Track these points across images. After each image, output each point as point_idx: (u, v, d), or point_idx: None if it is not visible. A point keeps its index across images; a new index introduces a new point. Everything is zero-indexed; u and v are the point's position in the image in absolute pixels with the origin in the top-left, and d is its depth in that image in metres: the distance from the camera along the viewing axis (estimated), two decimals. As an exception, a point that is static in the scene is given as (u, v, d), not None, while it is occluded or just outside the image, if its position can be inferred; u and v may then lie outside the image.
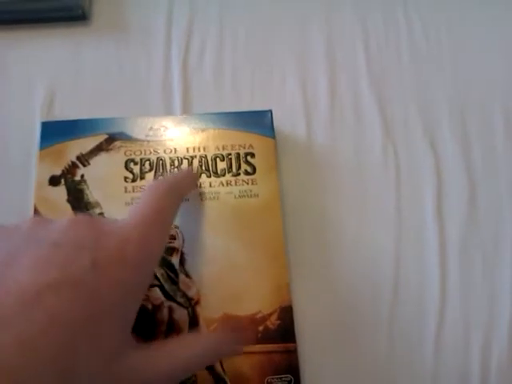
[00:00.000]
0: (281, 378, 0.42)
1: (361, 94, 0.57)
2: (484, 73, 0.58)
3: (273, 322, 0.43)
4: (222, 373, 0.42)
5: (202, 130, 0.51)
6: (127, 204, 0.48)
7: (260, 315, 0.44)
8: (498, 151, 0.54)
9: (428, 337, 0.46)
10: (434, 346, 0.46)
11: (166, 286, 0.44)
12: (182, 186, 0.44)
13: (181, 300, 0.44)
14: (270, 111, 0.52)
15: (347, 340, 0.46)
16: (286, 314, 0.44)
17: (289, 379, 0.42)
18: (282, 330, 0.43)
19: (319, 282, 0.48)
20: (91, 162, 0.49)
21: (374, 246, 0.49)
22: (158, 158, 0.50)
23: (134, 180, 0.49)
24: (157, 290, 0.44)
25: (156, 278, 0.45)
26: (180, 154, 0.50)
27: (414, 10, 0.61)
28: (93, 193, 0.48)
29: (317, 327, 0.46)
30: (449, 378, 0.45)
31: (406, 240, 0.50)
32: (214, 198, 0.48)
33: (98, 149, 0.50)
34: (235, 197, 0.48)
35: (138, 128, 0.51)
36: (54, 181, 0.48)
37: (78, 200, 0.48)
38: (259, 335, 0.43)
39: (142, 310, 0.43)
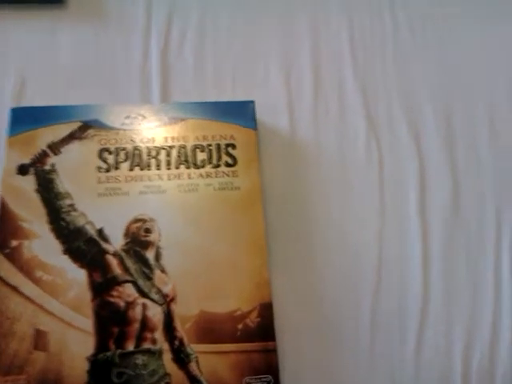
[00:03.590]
0: (260, 378, 0.40)
1: (345, 87, 0.55)
2: (469, 68, 0.57)
3: (252, 320, 0.41)
4: (199, 374, 0.40)
5: (182, 120, 0.49)
6: (100, 195, 0.45)
7: (239, 313, 0.42)
8: (481, 148, 0.53)
9: (410, 335, 0.45)
10: (416, 344, 0.45)
11: (140, 282, 0.42)
12: None
13: (155, 297, 0.42)
14: (253, 102, 0.50)
15: (328, 338, 0.45)
16: (266, 311, 0.42)
17: (268, 380, 0.40)
18: (261, 328, 0.41)
19: (300, 277, 0.46)
20: (63, 150, 0.47)
21: (356, 241, 0.48)
22: (134, 148, 0.48)
23: (107, 170, 0.46)
24: (130, 286, 0.42)
25: (129, 273, 0.42)
26: (158, 144, 0.48)
27: (399, 3, 0.60)
28: (64, 183, 0.45)
29: (297, 325, 0.44)
30: (430, 377, 0.44)
31: (389, 236, 0.49)
32: (192, 189, 0.46)
33: (71, 137, 0.47)
34: (215, 189, 0.46)
35: (114, 116, 0.49)
36: (22, 169, 0.46)
37: (47, 190, 0.45)
38: (238, 334, 0.41)
39: (114, 308, 0.41)
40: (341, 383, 0.43)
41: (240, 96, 0.53)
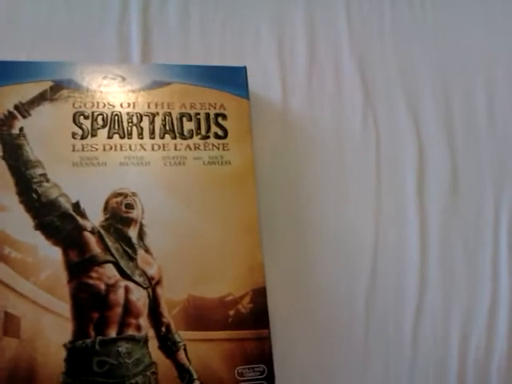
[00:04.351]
0: (253, 368, 0.38)
1: (341, 60, 0.52)
2: (468, 45, 0.55)
3: (245, 306, 0.39)
4: (187, 363, 0.37)
5: (166, 84, 0.45)
6: (75, 165, 0.41)
7: (230, 298, 0.39)
8: (480, 126, 0.52)
9: (406, 323, 0.44)
10: (412, 334, 0.44)
11: (122, 263, 0.39)
12: None
13: (139, 279, 0.39)
14: (245, 68, 0.46)
15: (322, 325, 0.43)
16: (260, 296, 0.40)
17: (261, 369, 0.38)
18: (254, 315, 0.39)
19: (294, 261, 0.44)
20: (32, 112, 0.42)
21: (352, 222, 0.46)
22: (112, 113, 0.43)
23: (83, 137, 0.42)
24: (111, 266, 0.39)
25: (110, 253, 0.39)
26: (139, 110, 0.43)
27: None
28: (34, 149, 0.40)
29: (291, 311, 0.43)
30: (426, 366, 0.43)
31: (385, 219, 0.47)
32: (179, 163, 0.42)
33: (42, 98, 0.42)
34: (204, 163, 0.42)
35: (90, 76, 0.44)
36: (-15, 133, 0.40)
37: (15, 157, 0.40)
38: (229, 320, 0.39)
39: (93, 291, 0.37)
40: (335, 372, 0.42)
41: (228, 61, 0.50)
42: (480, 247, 0.47)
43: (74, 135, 0.42)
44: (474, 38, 0.55)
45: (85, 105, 0.43)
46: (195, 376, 0.37)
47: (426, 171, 0.49)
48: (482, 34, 0.56)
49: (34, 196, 0.39)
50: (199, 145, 0.43)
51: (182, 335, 0.38)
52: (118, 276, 0.38)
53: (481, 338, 0.44)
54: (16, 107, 0.41)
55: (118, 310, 0.38)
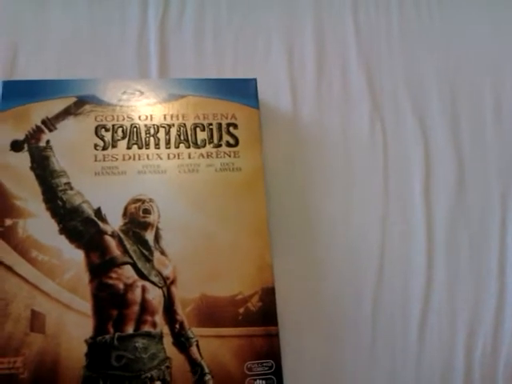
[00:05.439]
0: (261, 363, 0.39)
1: (349, 67, 0.54)
2: (475, 50, 0.56)
3: (254, 304, 0.41)
4: (199, 358, 0.39)
5: (181, 97, 0.47)
6: (97, 174, 0.44)
7: (240, 296, 0.41)
8: (486, 131, 0.52)
9: (412, 323, 0.45)
10: (419, 333, 0.45)
11: (139, 264, 0.41)
12: None
13: (155, 279, 0.41)
14: (255, 80, 0.48)
15: (330, 324, 0.44)
16: (268, 295, 0.41)
17: (270, 365, 0.40)
18: (263, 313, 0.41)
19: (302, 262, 0.46)
20: (58, 126, 0.45)
21: (359, 225, 0.48)
22: (131, 125, 0.46)
23: (104, 148, 0.45)
24: (129, 267, 0.41)
25: (128, 255, 0.41)
26: (156, 122, 0.46)
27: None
28: (59, 160, 0.44)
29: (299, 310, 0.44)
30: (432, 366, 0.44)
31: (392, 221, 0.48)
32: (193, 170, 0.45)
33: (66, 113, 0.46)
34: (216, 170, 0.45)
35: (111, 91, 0.47)
36: (16, 146, 0.44)
37: (42, 168, 0.43)
38: (239, 318, 0.41)
39: (113, 290, 0.40)
40: (342, 369, 0.43)
41: (240, 73, 0.52)
42: (486, 247, 0.48)
43: (95, 146, 0.45)
44: (480, 43, 0.56)
45: (106, 118, 0.46)
46: (207, 370, 0.39)
47: (432, 175, 0.50)
48: (489, 39, 0.56)
49: (59, 203, 0.42)
50: (212, 153, 0.45)
51: (195, 332, 0.40)
52: (135, 276, 0.41)
53: (487, 335, 0.45)
54: (43, 122, 0.45)
55: (135, 308, 0.40)
